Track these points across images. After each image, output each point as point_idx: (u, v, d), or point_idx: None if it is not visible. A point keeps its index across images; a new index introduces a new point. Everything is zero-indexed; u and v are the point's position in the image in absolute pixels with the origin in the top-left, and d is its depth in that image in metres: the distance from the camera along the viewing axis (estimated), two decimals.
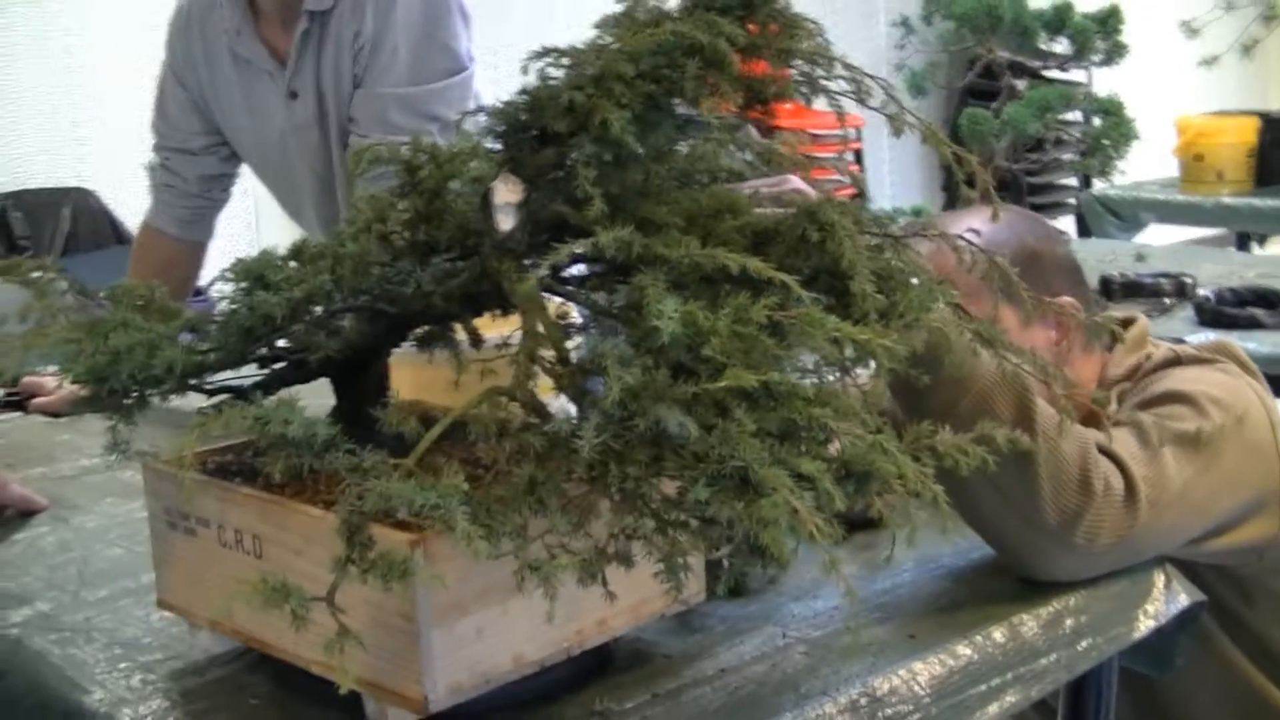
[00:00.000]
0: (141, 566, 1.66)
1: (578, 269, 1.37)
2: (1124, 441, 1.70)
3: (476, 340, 1.43)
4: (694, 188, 1.34)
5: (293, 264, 1.43)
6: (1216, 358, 1.89)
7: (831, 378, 1.25)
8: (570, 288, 1.33)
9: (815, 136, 6.59)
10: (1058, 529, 1.60)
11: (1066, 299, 1.89)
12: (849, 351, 1.21)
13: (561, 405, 1.30)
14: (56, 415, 2.56)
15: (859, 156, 7.46)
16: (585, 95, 1.25)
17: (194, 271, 3.04)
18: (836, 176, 7.12)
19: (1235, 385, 1.83)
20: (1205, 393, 1.77)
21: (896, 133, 1.28)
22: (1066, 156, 3.73)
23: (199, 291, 3.18)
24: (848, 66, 1.28)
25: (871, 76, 1.29)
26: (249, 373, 1.43)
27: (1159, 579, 1.71)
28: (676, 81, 1.25)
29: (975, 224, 1.89)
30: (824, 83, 1.29)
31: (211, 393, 1.40)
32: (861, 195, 6.79)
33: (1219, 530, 1.79)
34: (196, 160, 3.00)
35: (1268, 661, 1.98)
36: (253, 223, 5.51)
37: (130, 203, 4.62)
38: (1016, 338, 1.76)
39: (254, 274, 1.41)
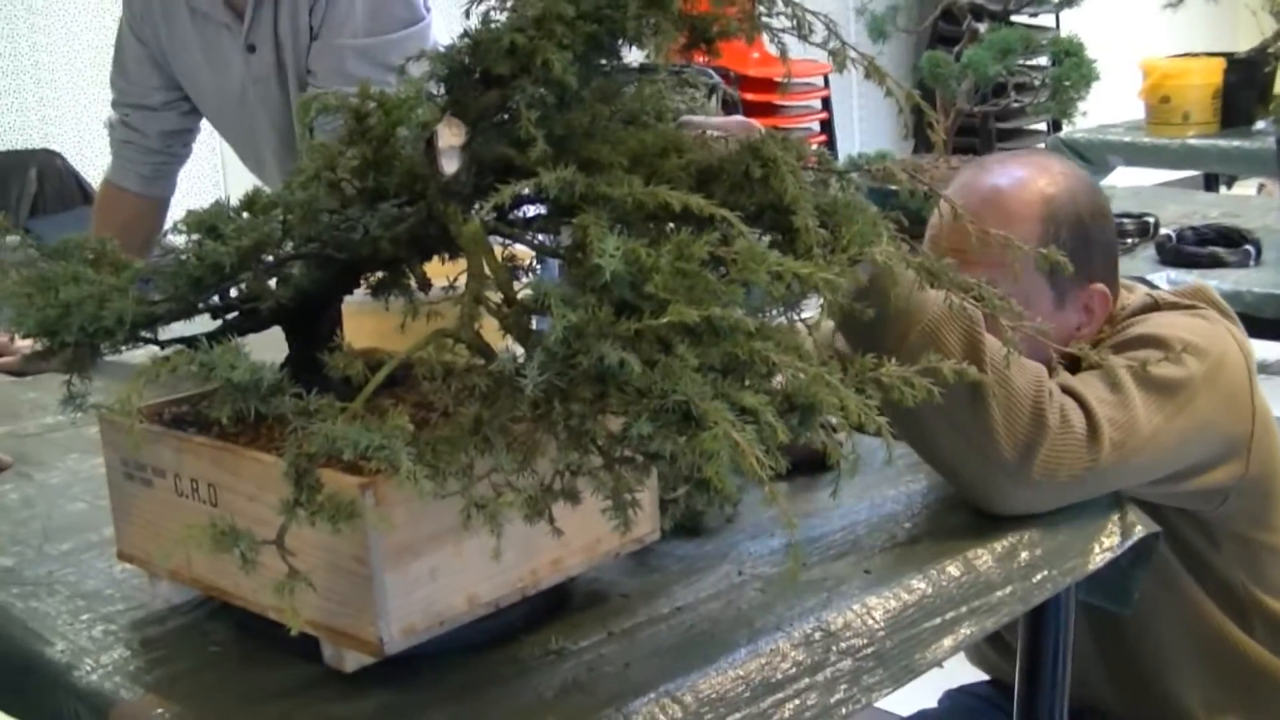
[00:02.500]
0: (104, 520, 1.66)
1: (530, 211, 1.38)
2: (1091, 384, 1.70)
3: (425, 285, 1.43)
4: (640, 127, 1.34)
5: (245, 215, 1.44)
6: (1194, 303, 1.90)
7: (780, 317, 1.26)
8: (516, 229, 1.33)
9: (781, 85, 6.58)
10: (1013, 463, 1.61)
11: (1099, 287, 1.90)
12: (794, 287, 1.21)
13: (513, 348, 1.31)
14: (20, 374, 2.55)
15: (827, 104, 7.45)
16: (526, 37, 1.25)
17: (157, 228, 3.02)
18: (805, 125, 7.16)
19: (1212, 331, 1.83)
20: (1181, 338, 1.78)
21: (839, 68, 1.29)
22: (1029, 100, 3.72)
23: None
24: (788, 3, 1.28)
25: (813, 13, 1.29)
26: (205, 324, 1.43)
27: (1114, 512, 1.73)
28: (618, 21, 1.25)
29: (1039, 185, 1.89)
30: (765, 20, 1.29)
31: (164, 344, 1.40)
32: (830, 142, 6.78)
33: (1187, 473, 1.80)
34: (157, 116, 2.99)
35: (1231, 601, 2.00)
36: (219, 180, 5.49)
37: (96, 163, 4.60)
38: (1047, 316, 1.79)
39: (206, 225, 1.41)
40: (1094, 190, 1.98)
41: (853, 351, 1.54)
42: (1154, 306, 1.91)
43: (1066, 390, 1.67)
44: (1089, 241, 1.89)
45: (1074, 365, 1.78)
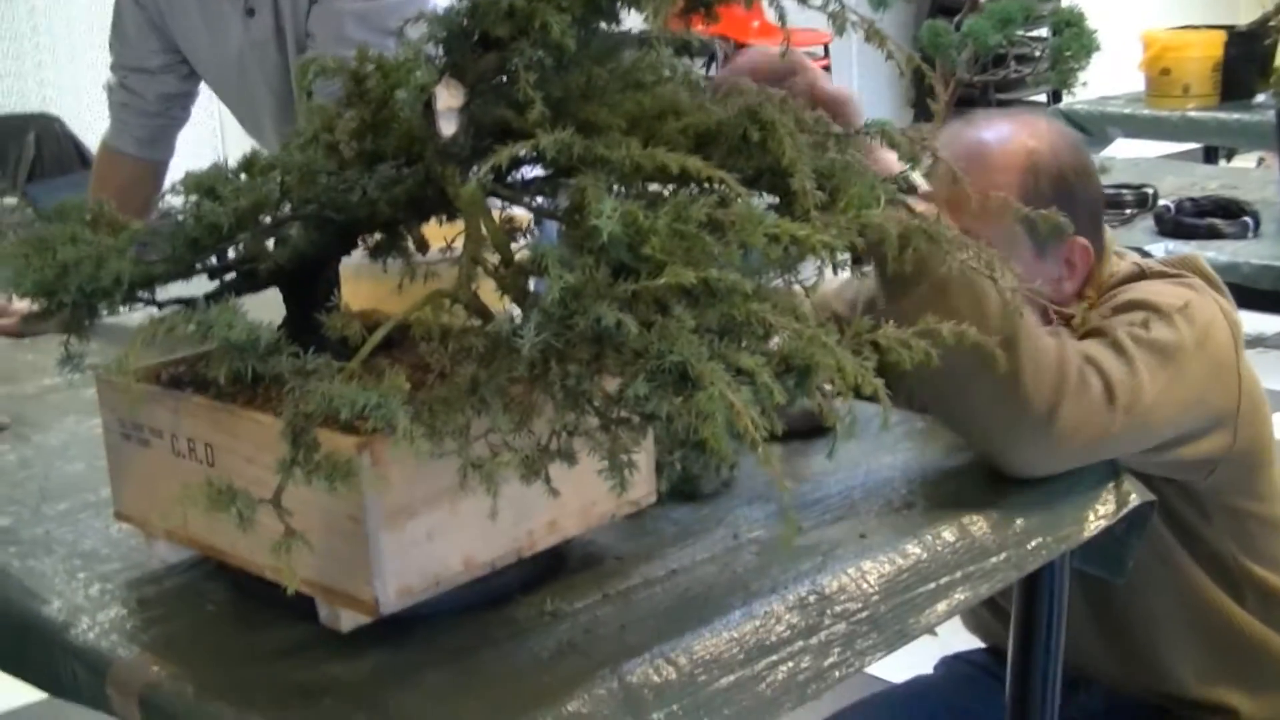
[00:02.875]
0: (101, 481, 1.67)
1: (528, 174, 1.38)
2: (1098, 349, 1.71)
3: (423, 247, 1.43)
4: (638, 90, 1.34)
5: (243, 176, 1.44)
6: (1182, 273, 1.90)
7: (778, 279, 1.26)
8: (514, 192, 1.33)
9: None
10: (1041, 417, 1.62)
11: (1081, 241, 1.91)
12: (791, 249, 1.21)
13: (511, 310, 1.31)
14: (19, 336, 2.55)
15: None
16: (525, 0, 1.25)
17: (155, 191, 3.01)
18: None
19: (1200, 300, 1.83)
20: (1171, 304, 1.79)
21: (839, 31, 1.29)
22: (1029, 71, 3.71)
23: None
24: None
25: None
26: (201, 285, 1.43)
27: (1109, 480, 1.73)
28: None
29: (1022, 138, 1.90)
30: None
31: (162, 305, 1.41)
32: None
33: (1175, 443, 1.81)
34: (155, 79, 2.98)
35: (1223, 572, 2.00)
36: (217, 144, 5.48)
37: (95, 128, 4.57)
38: (1026, 267, 1.80)
39: (204, 186, 1.41)
40: (1078, 147, 2.00)
41: (885, 302, 1.55)
42: (1140, 275, 1.92)
43: (1081, 354, 1.68)
44: (1071, 195, 1.90)
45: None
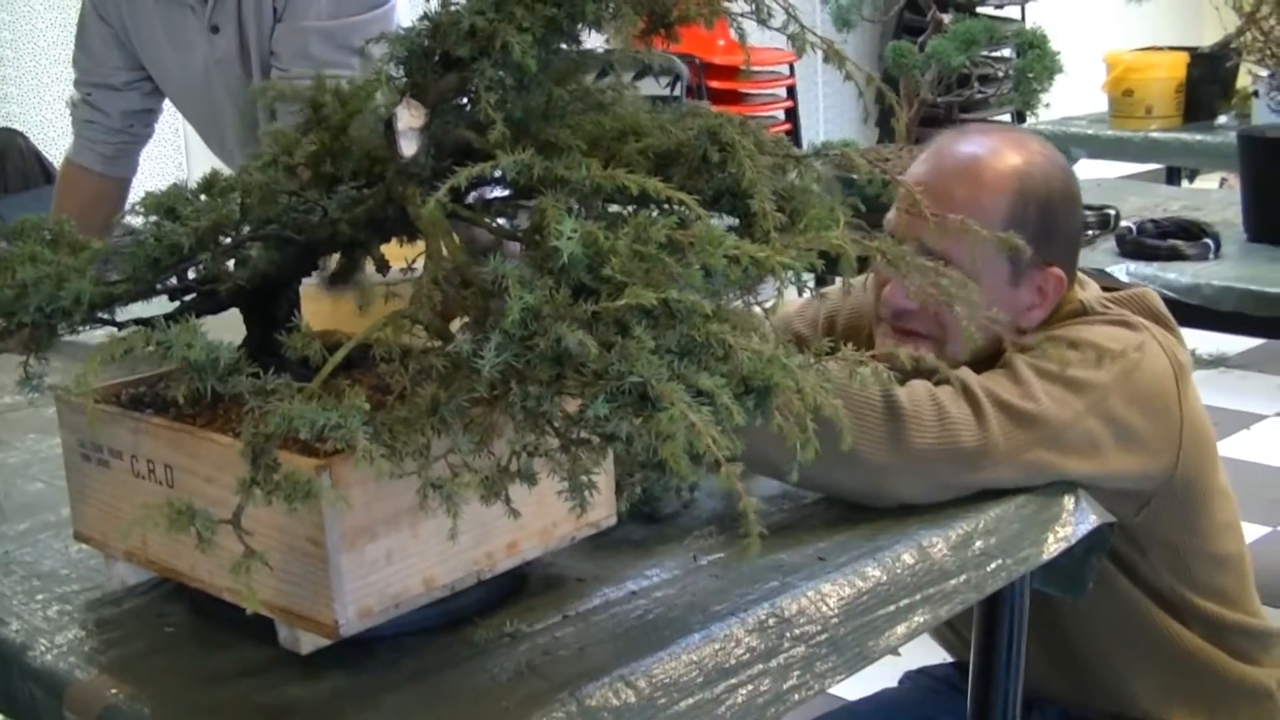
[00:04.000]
0: (62, 500, 1.66)
1: (491, 194, 1.38)
2: (992, 377, 1.74)
3: (383, 267, 1.43)
4: (598, 111, 1.34)
5: (203, 197, 1.43)
6: (1124, 314, 1.90)
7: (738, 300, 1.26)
8: (474, 212, 1.33)
9: (745, 72, 6.57)
10: (886, 460, 1.65)
11: (1056, 271, 1.91)
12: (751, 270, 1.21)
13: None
14: None
15: (792, 92, 7.45)
16: (486, 20, 1.25)
17: (118, 207, 3.01)
18: (770, 113, 7.16)
19: (1130, 338, 1.84)
20: (1097, 344, 1.80)
21: (799, 52, 1.29)
22: (992, 92, 3.73)
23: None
24: None
25: None
26: (162, 305, 1.43)
27: (1068, 501, 1.74)
28: (577, 4, 1.25)
29: (1016, 159, 1.90)
30: (725, 3, 1.29)
31: (122, 325, 1.40)
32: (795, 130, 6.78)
33: (1105, 476, 1.80)
34: (119, 95, 2.98)
35: (1164, 601, 2.01)
36: (182, 162, 5.47)
37: (58, 143, 4.56)
38: (999, 291, 1.81)
39: (164, 206, 1.41)
40: (1068, 175, 1.98)
41: None
42: (1082, 312, 1.92)
43: (953, 378, 1.69)
44: (1054, 224, 1.90)
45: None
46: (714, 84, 6.52)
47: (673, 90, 5.75)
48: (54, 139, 5.15)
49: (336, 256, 1.45)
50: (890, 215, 1.89)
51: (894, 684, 2.41)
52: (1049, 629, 2.01)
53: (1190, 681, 2.04)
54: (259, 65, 2.79)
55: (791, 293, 1.26)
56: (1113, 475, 1.80)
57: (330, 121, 1.39)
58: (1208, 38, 5.51)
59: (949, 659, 2.34)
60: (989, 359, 1.78)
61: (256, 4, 2.73)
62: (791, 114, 7.43)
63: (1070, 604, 1.85)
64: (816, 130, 8.04)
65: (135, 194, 3.01)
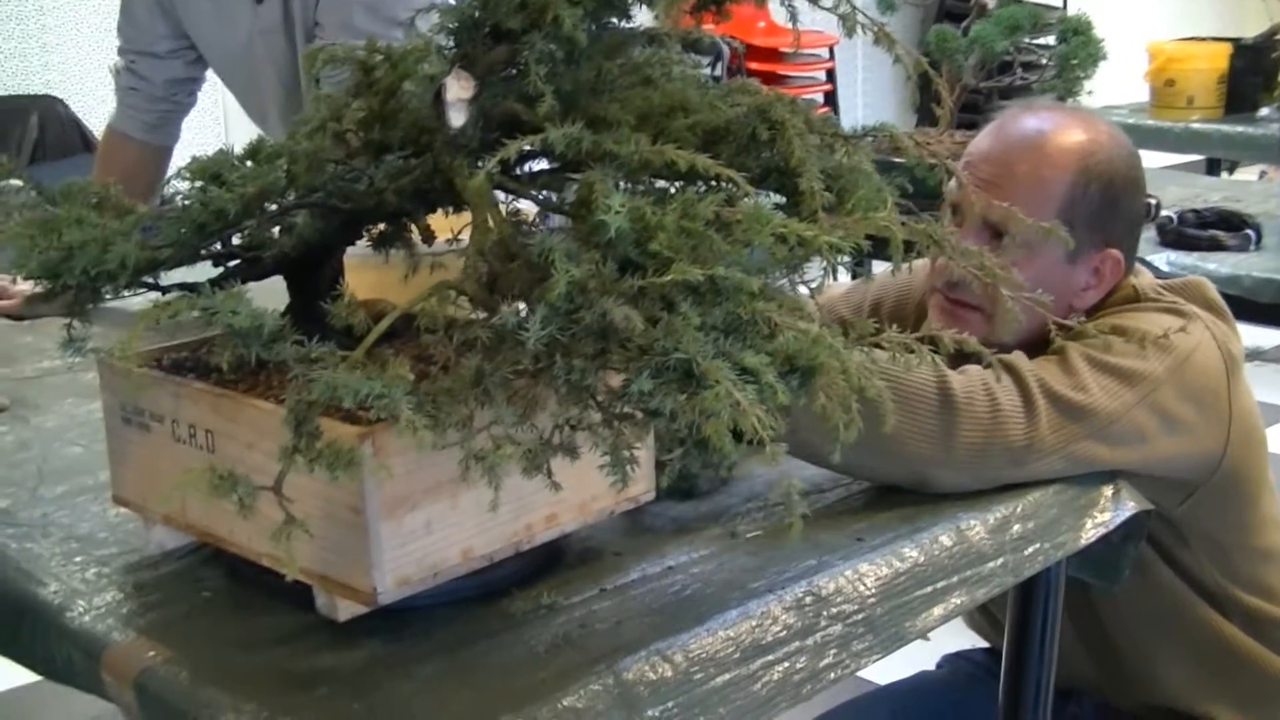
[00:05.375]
0: (100, 464, 1.67)
1: (536, 167, 1.38)
2: (1043, 365, 1.73)
3: (429, 237, 1.43)
4: (647, 86, 1.34)
5: (249, 163, 1.44)
6: (1176, 301, 1.89)
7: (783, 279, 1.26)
8: (521, 185, 1.33)
9: (786, 55, 6.57)
10: (937, 453, 1.64)
11: (1114, 253, 1.90)
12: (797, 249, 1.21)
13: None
14: (19, 319, 2.55)
15: (831, 75, 7.44)
16: None
17: (159, 176, 3.01)
18: (809, 96, 7.14)
19: (1185, 329, 1.82)
20: (1143, 330, 1.77)
21: (849, 33, 1.29)
22: (1034, 78, 3.72)
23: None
24: None
25: None
26: (206, 271, 1.43)
27: (1107, 488, 1.73)
28: None
29: (1082, 136, 1.89)
30: None
31: (166, 290, 1.40)
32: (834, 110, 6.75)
33: (1154, 466, 1.80)
34: (163, 64, 2.99)
35: (1206, 591, 2.00)
36: (221, 131, 5.48)
37: (98, 111, 4.59)
38: (1055, 268, 1.81)
39: (209, 172, 1.41)
40: (1134, 159, 1.96)
41: None
42: (1135, 299, 1.91)
43: (1005, 366, 1.68)
44: (1115, 206, 1.89)
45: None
46: (754, 66, 6.51)
47: (713, 71, 5.74)
48: (93, 107, 5.17)
49: (381, 226, 1.44)
50: (951, 185, 1.88)
51: (931, 667, 2.40)
52: (1087, 618, 2.01)
53: (1229, 675, 2.03)
54: (303, 35, 2.79)
55: (838, 276, 1.25)
56: (1158, 464, 1.79)
57: (380, 85, 1.38)
58: (1250, 29, 5.48)
59: (981, 645, 2.33)
60: (1041, 343, 1.76)
61: None
62: (830, 98, 7.42)
63: (1106, 592, 1.84)
64: (855, 114, 8.02)
65: (176, 162, 3.03)
